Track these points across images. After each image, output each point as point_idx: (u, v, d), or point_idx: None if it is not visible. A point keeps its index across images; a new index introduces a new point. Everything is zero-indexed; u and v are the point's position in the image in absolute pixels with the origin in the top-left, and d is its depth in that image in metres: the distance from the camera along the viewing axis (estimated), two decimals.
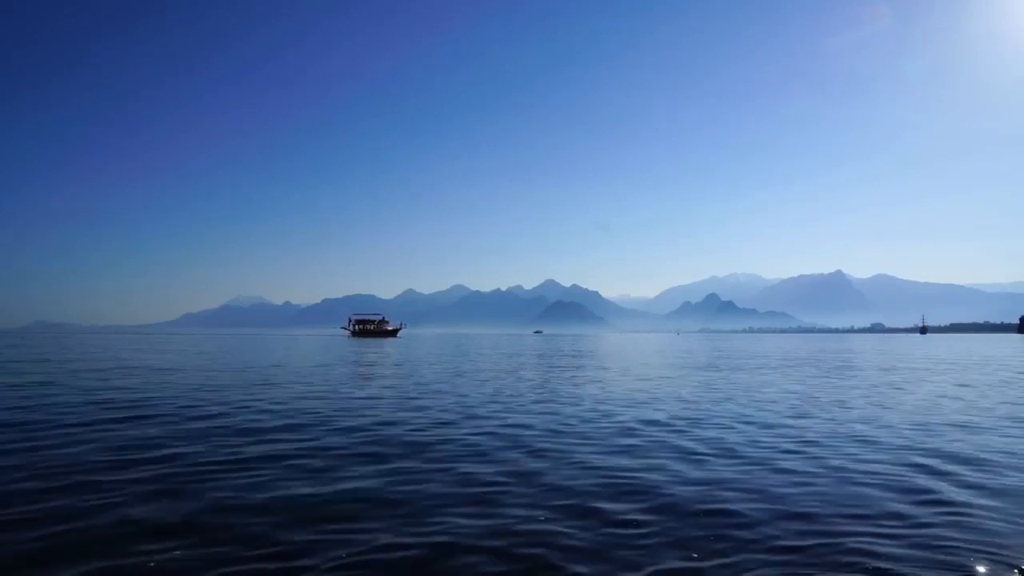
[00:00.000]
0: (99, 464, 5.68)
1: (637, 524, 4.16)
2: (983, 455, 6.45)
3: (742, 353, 35.34)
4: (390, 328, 79.31)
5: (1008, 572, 3.42)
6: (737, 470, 5.73)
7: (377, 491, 4.88)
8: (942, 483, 5.28)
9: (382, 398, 11.23)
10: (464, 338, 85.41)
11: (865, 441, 7.21)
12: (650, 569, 3.44)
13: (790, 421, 8.73)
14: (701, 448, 6.74)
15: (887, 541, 3.88)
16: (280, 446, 6.63)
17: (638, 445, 6.89)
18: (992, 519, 4.30)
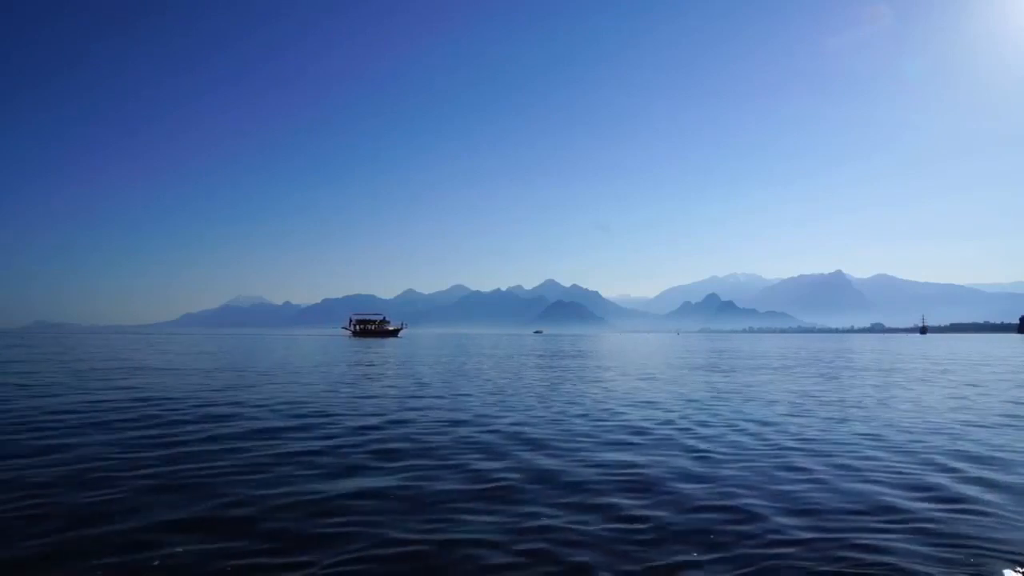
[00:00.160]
0: (108, 463, 5.75)
1: (644, 519, 4.24)
2: (987, 453, 6.53)
3: (742, 353, 35.41)
4: (391, 328, 79.31)
5: (1017, 569, 3.48)
6: (741, 467, 5.81)
7: (389, 489, 4.96)
8: (947, 479, 5.36)
9: (387, 397, 11.31)
10: (464, 338, 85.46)
11: (867, 439, 7.28)
12: (657, 563, 3.51)
13: (792, 420, 8.81)
14: (704, 445, 6.82)
15: (892, 536, 3.95)
16: (290, 445, 6.70)
17: (641, 442, 6.98)
18: (999, 515, 4.37)
